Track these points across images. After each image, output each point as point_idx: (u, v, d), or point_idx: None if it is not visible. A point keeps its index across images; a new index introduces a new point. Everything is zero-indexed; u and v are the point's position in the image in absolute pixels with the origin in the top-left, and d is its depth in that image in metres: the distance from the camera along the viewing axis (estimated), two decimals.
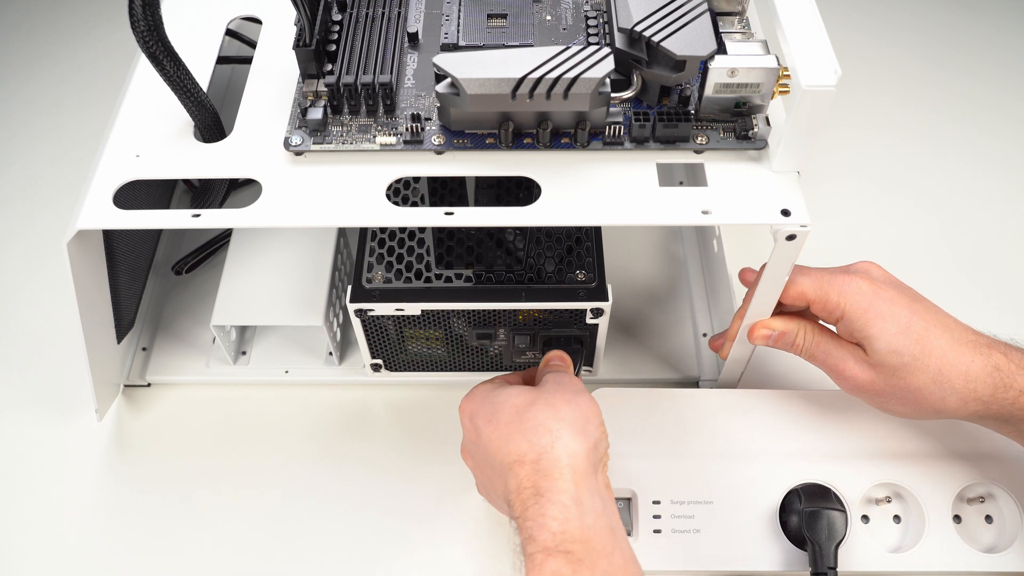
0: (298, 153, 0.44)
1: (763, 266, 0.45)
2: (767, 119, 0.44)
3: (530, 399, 0.42)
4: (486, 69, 0.41)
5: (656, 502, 0.48)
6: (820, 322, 0.48)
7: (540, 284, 0.50)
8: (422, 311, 0.50)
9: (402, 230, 0.52)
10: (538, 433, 0.40)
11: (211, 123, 0.47)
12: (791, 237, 0.41)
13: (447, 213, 0.42)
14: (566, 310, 0.49)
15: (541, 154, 0.44)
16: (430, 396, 0.56)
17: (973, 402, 0.43)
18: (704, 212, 0.42)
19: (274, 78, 0.48)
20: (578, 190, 0.43)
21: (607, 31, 0.48)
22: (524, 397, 0.42)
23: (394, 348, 0.53)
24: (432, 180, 0.54)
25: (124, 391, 0.57)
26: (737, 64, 0.41)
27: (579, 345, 0.52)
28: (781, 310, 0.47)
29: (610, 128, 0.43)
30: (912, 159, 0.69)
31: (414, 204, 0.54)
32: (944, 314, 0.45)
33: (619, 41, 0.44)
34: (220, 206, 0.55)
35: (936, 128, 0.72)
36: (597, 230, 0.52)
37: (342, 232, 0.58)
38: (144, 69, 0.49)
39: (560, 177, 0.43)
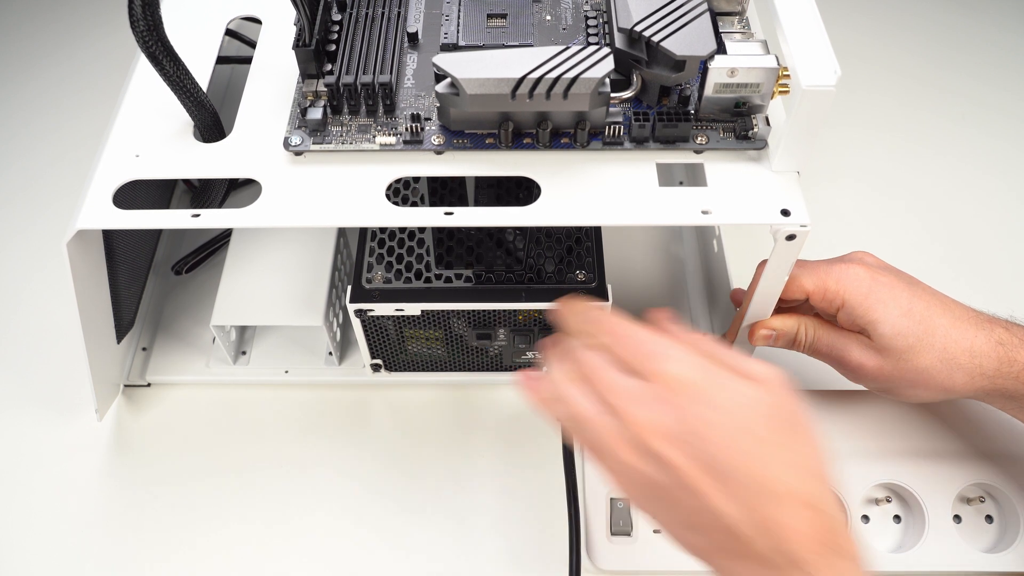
0: (298, 153, 0.44)
1: (760, 264, 0.45)
2: (767, 119, 0.44)
3: (800, 415, 0.34)
4: (486, 69, 0.41)
5: None
6: (819, 316, 0.48)
7: (540, 284, 0.50)
8: (422, 311, 0.50)
9: (402, 230, 0.52)
10: (823, 483, 0.33)
11: (211, 123, 0.47)
12: (791, 237, 0.41)
13: (447, 213, 0.42)
14: None
15: (541, 154, 0.44)
16: (430, 396, 0.56)
17: (979, 377, 0.43)
18: (704, 212, 0.42)
19: (274, 78, 0.48)
20: (578, 190, 0.43)
21: (607, 31, 0.48)
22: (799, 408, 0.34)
23: (394, 348, 0.53)
24: (432, 180, 0.54)
25: (124, 391, 0.57)
26: (737, 64, 0.41)
27: None
28: (779, 307, 0.47)
29: (610, 128, 0.43)
30: (912, 159, 0.69)
31: (414, 204, 0.54)
32: (942, 295, 0.45)
33: (619, 41, 0.44)
34: (220, 206, 0.55)
35: (936, 128, 0.72)
36: (597, 230, 0.52)
37: (342, 232, 0.58)
38: (144, 69, 0.49)
39: (560, 177, 0.43)
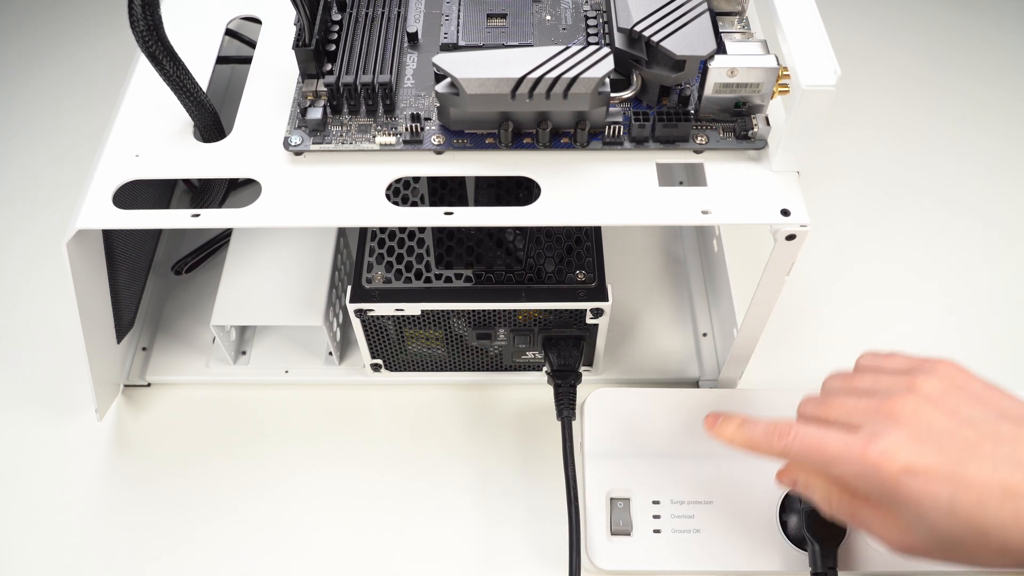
0: (298, 153, 0.44)
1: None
2: (767, 119, 0.44)
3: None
4: (486, 69, 0.41)
5: (656, 502, 0.48)
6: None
7: (540, 284, 0.50)
8: (422, 311, 0.50)
9: (402, 230, 0.52)
10: None
11: (211, 123, 0.47)
12: (791, 237, 0.41)
13: (447, 213, 0.42)
14: (566, 310, 0.49)
15: (541, 154, 0.44)
16: (430, 396, 0.56)
17: None
18: (704, 212, 0.42)
19: (274, 78, 0.48)
20: (578, 190, 0.43)
21: (607, 31, 0.48)
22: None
23: (394, 348, 0.53)
24: (432, 180, 0.54)
25: (124, 391, 0.57)
26: (737, 64, 0.41)
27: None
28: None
29: (610, 128, 0.43)
30: (912, 159, 0.69)
31: (414, 204, 0.54)
32: (1009, 463, 0.34)
33: (619, 41, 0.44)
34: (220, 206, 0.55)
35: (936, 128, 0.72)
36: (597, 230, 0.52)
37: (342, 232, 0.58)
38: (144, 69, 0.49)
39: (560, 177, 0.43)
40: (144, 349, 0.58)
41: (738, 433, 0.42)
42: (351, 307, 0.49)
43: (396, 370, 0.56)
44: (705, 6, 0.43)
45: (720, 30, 0.44)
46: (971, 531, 0.34)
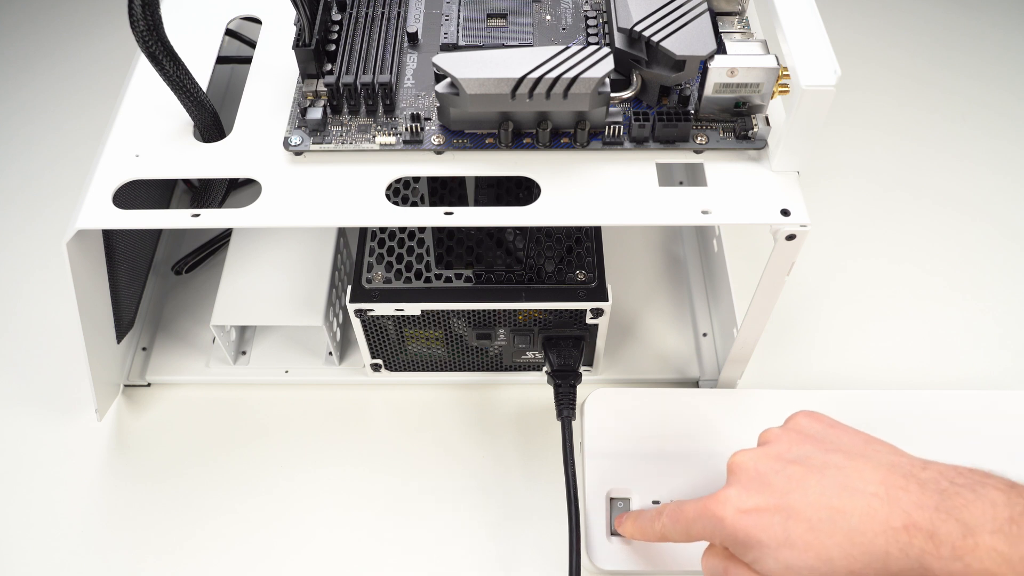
0: (298, 153, 0.44)
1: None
2: (767, 119, 0.44)
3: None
4: (486, 69, 0.41)
5: (656, 502, 0.48)
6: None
7: (540, 284, 0.50)
8: (422, 311, 0.50)
9: (402, 230, 0.52)
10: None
11: (211, 123, 0.47)
12: (791, 237, 0.41)
13: (447, 213, 0.42)
14: (566, 310, 0.49)
15: (541, 154, 0.44)
16: (430, 396, 0.56)
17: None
18: (704, 212, 0.42)
19: (274, 78, 0.48)
20: (578, 190, 0.43)
21: (607, 31, 0.48)
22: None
23: (394, 348, 0.53)
24: (432, 180, 0.54)
25: (124, 391, 0.57)
26: (737, 64, 0.41)
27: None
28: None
29: (610, 128, 0.43)
30: (912, 159, 0.69)
31: (414, 204, 0.54)
32: (841, 487, 0.35)
33: (619, 41, 0.44)
34: (220, 206, 0.55)
35: (935, 128, 0.72)
36: (597, 230, 0.52)
37: (342, 232, 0.58)
38: (144, 69, 0.49)
39: (560, 177, 0.43)
40: (144, 349, 0.58)
41: (634, 527, 0.44)
42: (351, 307, 0.49)
43: (396, 370, 0.56)
44: (705, 6, 0.43)
45: (720, 30, 0.44)
46: (813, 558, 0.34)
